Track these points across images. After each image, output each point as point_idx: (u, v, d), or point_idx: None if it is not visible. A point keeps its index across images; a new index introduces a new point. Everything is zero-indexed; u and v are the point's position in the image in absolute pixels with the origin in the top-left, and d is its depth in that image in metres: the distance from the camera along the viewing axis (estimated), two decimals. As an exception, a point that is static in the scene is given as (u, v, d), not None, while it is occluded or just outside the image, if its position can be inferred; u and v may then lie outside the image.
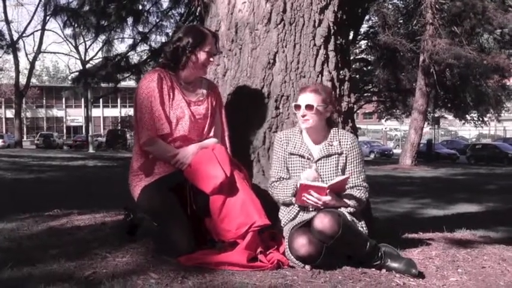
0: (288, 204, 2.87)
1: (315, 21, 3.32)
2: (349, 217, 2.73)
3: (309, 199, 2.71)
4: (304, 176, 2.80)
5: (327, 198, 2.71)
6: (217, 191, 2.67)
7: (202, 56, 2.90)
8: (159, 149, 2.85)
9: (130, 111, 45.32)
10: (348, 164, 2.88)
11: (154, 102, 2.82)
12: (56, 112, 62.16)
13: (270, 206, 2.88)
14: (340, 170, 2.86)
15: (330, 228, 2.55)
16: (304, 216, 2.80)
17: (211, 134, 3.01)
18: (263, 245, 2.71)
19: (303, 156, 2.88)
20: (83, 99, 48.02)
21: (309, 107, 2.82)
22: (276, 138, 3.00)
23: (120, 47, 29.13)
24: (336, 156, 2.87)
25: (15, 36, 37.23)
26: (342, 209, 2.76)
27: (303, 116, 2.84)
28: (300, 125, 2.90)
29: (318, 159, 2.86)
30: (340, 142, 2.89)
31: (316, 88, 2.89)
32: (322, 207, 2.74)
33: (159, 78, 2.85)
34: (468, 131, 50.50)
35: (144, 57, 17.84)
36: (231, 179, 2.70)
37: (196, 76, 2.99)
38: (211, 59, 2.94)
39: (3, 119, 57.27)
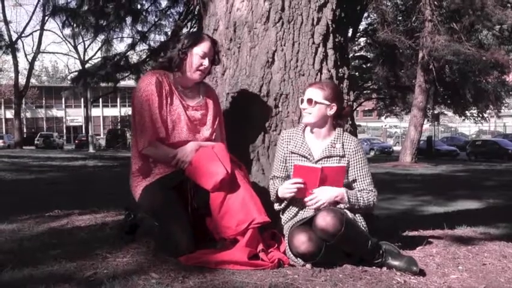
0: (281, 201, 2.89)
1: (313, 20, 3.32)
2: (350, 215, 2.73)
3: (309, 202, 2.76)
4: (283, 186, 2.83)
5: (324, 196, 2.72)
6: (218, 187, 2.67)
7: (193, 57, 2.88)
8: (159, 152, 2.85)
9: (130, 111, 45.12)
10: (351, 168, 2.88)
11: (153, 106, 2.81)
12: (56, 112, 62.15)
13: (270, 205, 2.90)
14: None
15: (332, 226, 2.55)
16: (304, 214, 2.80)
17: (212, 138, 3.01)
18: (264, 244, 2.72)
19: (303, 156, 2.88)
20: (82, 99, 48.04)
21: (309, 101, 2.84)
22: (280, 137, 3.01)
23: (119, 47, 29.24)
24: (338, 158, 2.87)
25: (14, 36, 37.26)
26: (342, 207, 2.76)
27: (304, 109, 2.87)
28: (303, 118, 2.92)
29: (319, 160, 2.87)
30: (343, 145, 2.89)
31: (321, 84, 2.92)
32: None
33: (158, 81, 2.85)
34: (468, 127, 50.40)
35: (144, 56, 17.79)
36: (231, 176, 2.71)
37: (192, 80, 2.96)
38: (203, 63, 2.89)
39: (3, 120, 57.27)
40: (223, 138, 3.08)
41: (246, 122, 3.28)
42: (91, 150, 34.07)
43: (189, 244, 2.68)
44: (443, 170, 19.26)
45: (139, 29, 15.53)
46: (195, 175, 2.76)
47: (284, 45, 3.30)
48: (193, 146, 2.84)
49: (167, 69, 2.92)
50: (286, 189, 2.77)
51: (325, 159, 2.86)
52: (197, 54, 2.88)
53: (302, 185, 2.72)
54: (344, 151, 2.87)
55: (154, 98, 2.81)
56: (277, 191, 2.86)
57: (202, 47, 2.89)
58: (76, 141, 46.21)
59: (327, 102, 2.85)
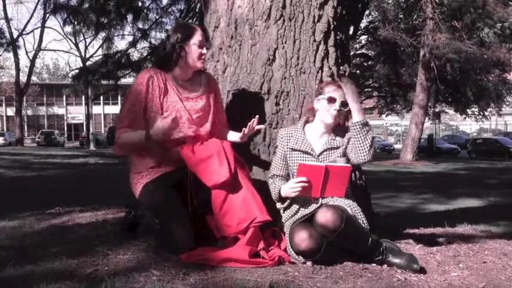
0: (284, 200, 2.89)
1: (314, 17, 3.31)
2: (350, 212, 2.73)
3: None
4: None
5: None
6: (218, 187, 2.68)
7: (192, 48, 2.88)
8: (129, 137, 2.81)
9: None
10: (349, 143, 2.89)
11: (140, 101, 2.81)
12: (57, 110, 62.13)
13: (271, 203, 2.89)
14: (345, 162, 2.87)
15: (333, 223, 2.55)
16: (304, 211, 2.80)
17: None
18: (265, 242, 2.72)
19: (305, 152, 2.89)
20: (83, 97, 47.97)
21: (345, 103, 2.86)
22: (278, 135, 3.01)
23: (120, 44, 29.08)
24: (339, 148, 2.89)
25: (15, 34, 37.22)
26: (343, 205, 2.77)
27: (337, 110, 2.87)
28: (327, 118, 2.90)
29: (320, 153, 2.88)
30: (342, 136, 2.92)
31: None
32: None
33: (149, 78, 2.84)
34: (469, 125, 50.34)
35: (145, 54, 17.80)
36: (233, 176, 2.71)
37: (194, 69, 2.96)
38: (202, 52, 2.90)
39: (4, 117, 57.29)
40: (224, 130, 3.08)
41: (247, 119, 3.28)
42: (92, 147, 34.08)
43: (189, 241, 2.69)
44: (444, 168, 19.28)
45: (140, 26, 15.55)
46: (198, 168, 2.75)
47: (285, 43, 3.29)
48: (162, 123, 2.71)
49: (164, 68, 2.92)
50: (290, 188, 2.77)
51: (327, 151, 2.88)
52: (195, 45, 2.88)
53: (306, 184, 2.72)
54: (343, 140, 2.91)
55: (142, 94, 2.81)
56: (279, 190, 2.86)
57: (198, 37, 2.89)
58: (80, 138, 46.67)
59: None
